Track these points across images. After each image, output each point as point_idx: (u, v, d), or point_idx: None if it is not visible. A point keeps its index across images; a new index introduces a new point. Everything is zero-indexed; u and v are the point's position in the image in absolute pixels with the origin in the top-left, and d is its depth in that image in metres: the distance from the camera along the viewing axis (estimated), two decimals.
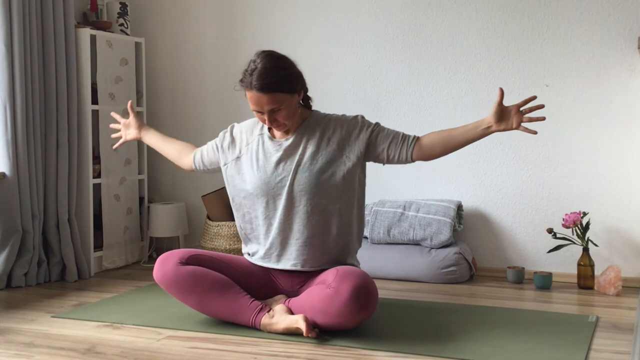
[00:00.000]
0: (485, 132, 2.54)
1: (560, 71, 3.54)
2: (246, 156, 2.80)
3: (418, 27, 3.78)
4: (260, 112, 2.63)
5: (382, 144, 2.67)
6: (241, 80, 2.65)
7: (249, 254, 2.85)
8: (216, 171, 2.98)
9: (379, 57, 3.87)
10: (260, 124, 2.84)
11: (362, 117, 2.76)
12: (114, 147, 3.21)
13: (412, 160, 2.67)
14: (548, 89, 3.57)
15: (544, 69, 3.57)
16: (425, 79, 3.78)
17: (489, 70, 3.66)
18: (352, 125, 2.72)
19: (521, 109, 2.49)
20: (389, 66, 3.85)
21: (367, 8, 3.87)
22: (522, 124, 2.49)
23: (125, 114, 3.98)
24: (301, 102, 2.79)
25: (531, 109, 2.48)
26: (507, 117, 2.49)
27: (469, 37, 3.69)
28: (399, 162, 2.69)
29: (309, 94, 2.81)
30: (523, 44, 3.60)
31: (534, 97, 2.50)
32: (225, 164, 2.86)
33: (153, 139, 3.10)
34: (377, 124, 2.73)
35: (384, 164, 2.74)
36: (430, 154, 2.64)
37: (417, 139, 2.66)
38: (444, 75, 3.75)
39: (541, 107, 2.49)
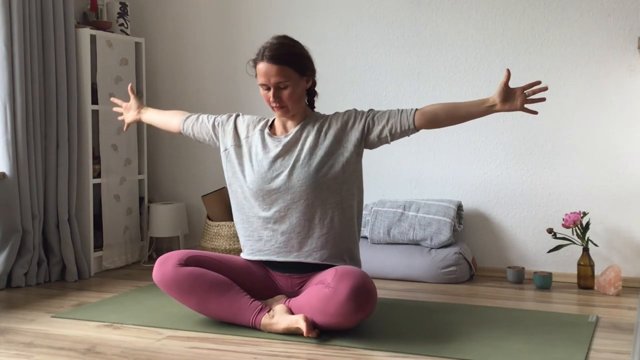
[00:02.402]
0: (489, 111, 2.54)
1: (560, 71, 3.54)
2: (245, 148, 2.82)
3: (418, 27, 3.78)
4: (267, 88, 2.67)
5: (380, 122, 2.67)
6: (254, 60, 2.70)
7: (252, 249, 2.84)
8: (199, 141, 3.02)
9: (379, 57, 3.87)
10: (263, 121, 2.86)
11: (355, 109, 2.78)
12: (124, 130, 3.26)
13: (416, 128, 2.63)
14: (548, 88, 3.56)
15: (544, 69, 3.57)
16: (425, 79, 3.78)
17: (489, 70, 3.66)
18: (347, 116, 2.74)
19: (525, 92, 2.51)
20: (389, 66, 3.85)
21: (367, 8, 3.87)
22: (525, 106, 2.51)
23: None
24: (306, 101, 2.82)
25: (534, 92, 2.50)
26: (512, 98, 2.51)
27: (469, 37, 3.69)
28: (402, 133, 2.66)
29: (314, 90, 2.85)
30: (523, 44, 3.60)
31: (539, 82, 2.51)
32: (225, 149, 2.87)
33: (150, 117, 3.14)
34: (370, 109, 2.75)
35: (389, 142, 2.71)
36: (433, 121, 2.61)
37: (417, 109, 2.65)
38: (444, 75, 3.75)
39: (544, 89, 2.50)
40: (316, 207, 2.68)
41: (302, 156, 2.70)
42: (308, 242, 2.71)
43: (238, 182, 2.81)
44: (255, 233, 2.79)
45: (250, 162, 2.79)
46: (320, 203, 2.68)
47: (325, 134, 2.73)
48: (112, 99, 3.28)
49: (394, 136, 2.68)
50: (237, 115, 2.94)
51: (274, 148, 2.75)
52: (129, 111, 3.19)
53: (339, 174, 2.69)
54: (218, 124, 2.93)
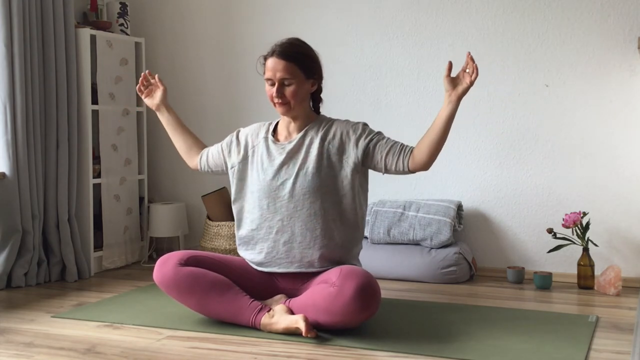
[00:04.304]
0: (451, 107, 2.54)
1: (560, 71, 3.54)
2: (252, 159, 2.83)
3: (418, 27, 3.78)
4: (272, 83, 2.69)
5: (379, 153, 2.68)
6: (264, 56, 2.73)
7: (253, 262, 2.85)
8: (219, 173, 3.01)
9: (379, 57, 3.87)
10: (265, 127, 2.86)
11: (365, 124, 2.77)
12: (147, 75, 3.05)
13: (410, 171, 2.66)
14: (548, 89, 3.57)
15: (544, 69, 3.57)
16: (425, 79, 3.78)
17: (489, 70, 3.66)
18: (353, 131, 2.73)
19: (466, 70, 2.53)
20: (389, 66, 3.85)
21: (367, 8, 3.87)
22: (470, 76, 2.52)
23: (125, 114, 3.99)
24: (311, 105, 2.83)
25: (472, 66, 2.52)
26: (458, 81, 2.54)
27: (469, 37, 3.69)
28: (396, 172, 2.69)
29: (321, 96, 2.87)
30: (523, 44, 3.60)
31: (468, 54, 2.53)
32: (232, 167, 2.88)
33: (169, 123, 3.04)
34: (378, 133, 2.73)
35: (382, 173, 2.75)
36: (422, 159, 2.62)
37: (412, 149, 2.67)
38: (444, 75, 3.74)
39: (471, 58, 2.52)
40: (318, 217, 2.69)
41: (306, 165, 2.71)
42: (309, 253, 2.71)
43: (245, 195, 2.83)
44: (256, 246, 2.81)
45: (256, 171, 2.80)
46: (323, 214, 2.69)
47: (329, 143, 2.73)
48: (148, 72, 3.05)
49: (389, 171, 2.70)
50: (238, 132, 2.95)
51: (279, 156, 2.76)
52: (150, 97, 3.04)
53: (340, 186, 2.71)
54: (224, 148, 2.94)
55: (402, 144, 2.68)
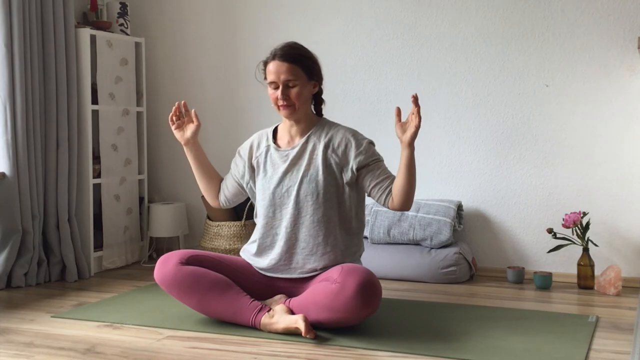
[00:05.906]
0: (406, 152, 2.58)
1: (560, 71, 3.54)
2: (257, 169, 2.85)
3: (418, 27, 3.78)
4: (275, 87, 2.69)
5: (368, 180, 2.70)
6: (264, 61, 2.74)
7: (256, 266, 2.86)
8: (242, 199, 3.01)
9: (379, 57, 3.87)
10: (265, 136, 2.86)
11: (370, 142, 2.76)
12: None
13: (390, 209, 2.70)
14: (548, 89, 3.57)
15: (544, 69, 3.57)
16: (425, 79, 3.78)
17: (489, 70, 3.66)
18: (356, 145, 2.72)
19: (413, 114, 2.56)
20: (389, 66, 3.85)
21: (368, 8, 3.87)
22: (415, 121, 2.55)
23: (125, 114, 3.99)
24: (313, 109, 2.84)
25: (416, 108, 2.55)
26: (406, 126, 2.59)
27: (469, 37, 3.69)
28: (378, 203, 2.74)
29: (322, 98, 2.87)
30: (523, 44, 3.60)
31: (413, 96, 2.56)
32: (247, 184, 2.90)
33: (196, 159, 2.93)
34: (377, 159, 2.73)
35: (368, 196, 2.78)
36: (398, 203, 2.64)
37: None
38: (444, 75, 3.75)
39: (415, 99, 2.56)
40: (321, 224, 2.70)
41: (310, 172, 2.72)
42: (312, 260, 2.72)
43: (257, 204, 2.85)
44: (262, 254, 2.82)
45: (261, 180, 2.81)
46: (325, 220, 2.71)
47: (333, 152, 2.73)
48: (184, 102, 2.91)
49: (372, 198, 2.75)
50: (239, 151, 2.95)
51: (282, 163, 2.77)
52: (180, 129, 2.88)
53: (341, 194, 2.73)
54: (234, 174, 2.94)
55: (390, 181, 2.69)
